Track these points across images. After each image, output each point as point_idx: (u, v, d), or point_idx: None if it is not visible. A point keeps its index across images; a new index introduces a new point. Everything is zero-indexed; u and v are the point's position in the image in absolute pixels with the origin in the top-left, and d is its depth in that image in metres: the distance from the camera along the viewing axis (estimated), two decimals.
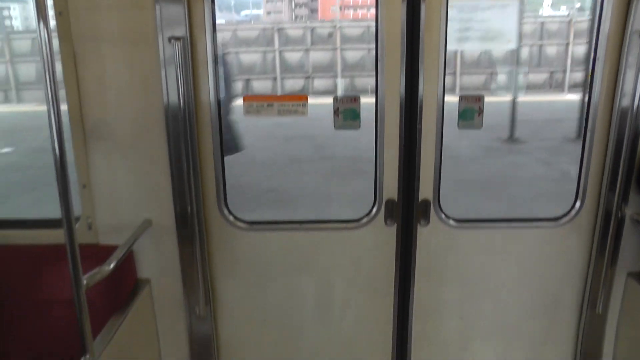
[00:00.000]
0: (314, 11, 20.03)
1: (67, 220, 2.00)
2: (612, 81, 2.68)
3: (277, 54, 16.52)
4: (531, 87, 15.93)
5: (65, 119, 1.99)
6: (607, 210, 2.82)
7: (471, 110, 2.76)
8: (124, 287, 2.79)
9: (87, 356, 2.22)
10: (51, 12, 1.88)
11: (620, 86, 2.64)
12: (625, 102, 2.65)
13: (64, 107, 2.14)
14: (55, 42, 2.41)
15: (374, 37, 2.67)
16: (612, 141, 2.72)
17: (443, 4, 2.59)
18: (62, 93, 2.06)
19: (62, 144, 1.94)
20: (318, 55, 16.59)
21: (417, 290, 3.00)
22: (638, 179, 2.76)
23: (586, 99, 2.78)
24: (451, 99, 2.76)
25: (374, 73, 2.70)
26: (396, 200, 2.86)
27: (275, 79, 16.52)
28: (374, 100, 2.73)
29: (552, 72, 16.63)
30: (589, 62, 2.77)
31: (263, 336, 3.13)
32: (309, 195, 8.15)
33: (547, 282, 3.03)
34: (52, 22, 1.93)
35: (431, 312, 3.06)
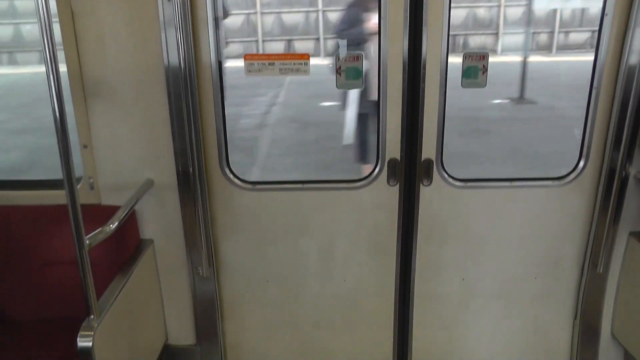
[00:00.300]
0: None
1: (68, 181, 2.00)
2: (620, 38, 2.63)
3: (320, 14, 16.32)
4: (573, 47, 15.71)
5: (64, 79, 1.97)
6: (611, 169, 2.80)
7: (475, 68, 2.72)
8: (127, 248, 2.81)
9: (92, 317, 2.25)
10: None
11: (629, 43, 2.59)
12: (633, 59, 2.60)
13: (62, 68, 2.12)
14: (53, 2, 2.38)
15: None
16: (618, 99, 2.69)
17: None
18: (60, 54, 2.04)
19: (62, 104, 1.93)
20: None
21: (419, 249, 3.02)
22: None
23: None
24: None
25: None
26: (399, 159, 2.84)
27: (317, 39, 16.26)
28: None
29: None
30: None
31: (266, 295, 3.15)
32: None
33: (549, 241, 3.03)
34: None
35: (433, 271, 3.08)
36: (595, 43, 2.72)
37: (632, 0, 2.56)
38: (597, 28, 2.69)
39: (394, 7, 2.59)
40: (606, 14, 2.62)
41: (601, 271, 2.96)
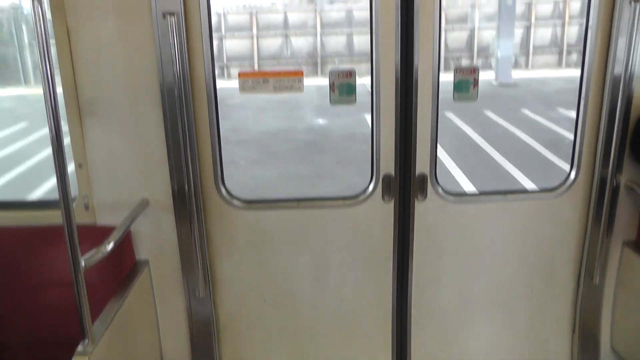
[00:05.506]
0: None
1: (64, 201, 1.98)
2: (604, 49, 2.70)
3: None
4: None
5: (59, 97, 1.97)
6: (602, 179, 2.84)
7: (466, 82, 2.77)
8: (122, 269, 2.77)
9: (87, 341, 2.21)
10: None
11: (613, 54, 2.66)
12: (618, 69, 2.67)
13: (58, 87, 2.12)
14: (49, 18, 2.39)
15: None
16: (606, 109, 2.74)
17: None
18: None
19: (59, 124, 1.92)
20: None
21: (415, 265, 3.01)
22: (632, 145, 2.78)
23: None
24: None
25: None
26: (393, 175, 2.86)
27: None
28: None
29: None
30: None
31: (263, 314, 3.12)
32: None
33: (544, 254, 3.05)
34: None
35: (430, 285, 3.07)
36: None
37: (612, 12, 2.64)
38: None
39: (386, 24, 2.64)
40: (590, 27, 2.69)
41: (597, 282, 2.97)
